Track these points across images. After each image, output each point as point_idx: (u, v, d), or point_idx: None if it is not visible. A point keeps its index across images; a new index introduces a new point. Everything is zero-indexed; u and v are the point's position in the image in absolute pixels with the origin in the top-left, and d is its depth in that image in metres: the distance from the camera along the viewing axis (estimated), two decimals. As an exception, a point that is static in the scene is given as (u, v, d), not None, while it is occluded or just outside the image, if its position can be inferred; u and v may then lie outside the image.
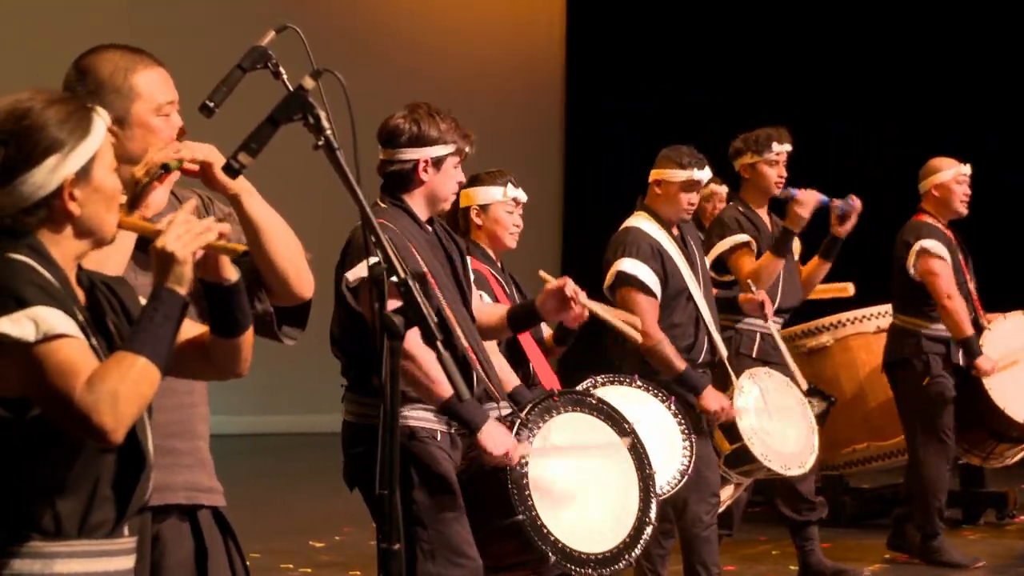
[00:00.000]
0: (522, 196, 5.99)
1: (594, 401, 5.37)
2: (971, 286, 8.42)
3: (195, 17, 14.18)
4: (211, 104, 3.50)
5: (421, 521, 4.90)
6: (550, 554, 5.02)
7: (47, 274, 2.86)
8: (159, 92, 3.53)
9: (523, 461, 5.05)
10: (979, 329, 8.32)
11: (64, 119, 2.91)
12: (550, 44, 16.82)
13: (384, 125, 5.10)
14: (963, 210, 8.36)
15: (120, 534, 2.93)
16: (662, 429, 6.14)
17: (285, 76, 3.46)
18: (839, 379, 9.00)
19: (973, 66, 14.61)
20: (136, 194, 3.40)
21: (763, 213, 7.85)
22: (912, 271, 8.25)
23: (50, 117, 2.90)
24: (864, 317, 9.03)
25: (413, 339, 3.36)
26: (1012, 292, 9.45)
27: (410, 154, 5.05)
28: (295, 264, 3.61)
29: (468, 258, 5.33)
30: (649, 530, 5.28)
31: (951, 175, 8.35)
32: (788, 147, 7.75)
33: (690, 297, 6.81)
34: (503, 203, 5.95)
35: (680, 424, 6.20)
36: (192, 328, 3.10)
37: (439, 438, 5.01)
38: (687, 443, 6.18)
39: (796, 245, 7.86)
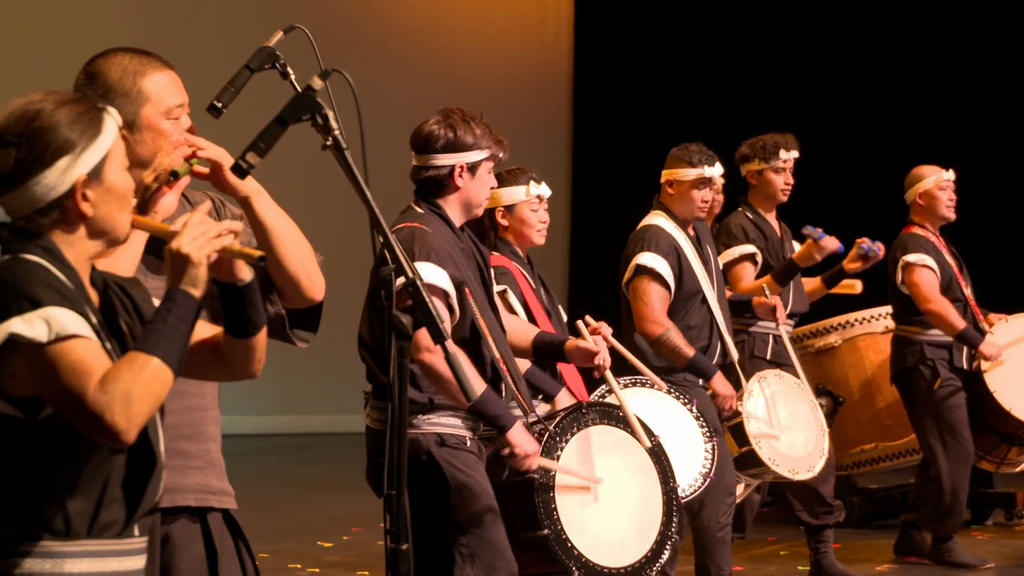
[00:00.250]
0: (545, 192, 5.97)
1: (621, 413, 5.35)
2: (967, 292, 8.40)
3: (203, 17, 14.20)
4: (219, 105, 3.50)
5: (459, 525, 4.88)
6: (574, 568, 5.04)
7: (60, 275, 2.87)
8: (168, 95, 3.50)
9: (551, 475, 5.05)
10: (980, 334, 8.30)
11: (75, 120, 2.91)
12: (558, 43, 16.82)
13: (418, 131, 5.05)
14: (950, 215, 8.35)
15: (130, 534, 2.94)
16: (684, 431, 6.14)
17: (293, 76, 3.47)
18: (847, 379, 9.00)
19: (974, 67, 14.58)
20: (145, 199, 3.40)
21: (771, 218, 7.88)
22: (901, 287, 8.29)
23: (61, 118, 2.90)
24: (872, 317, 9.04)
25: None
26: (1011, 295, 9.45)
27: (445, 160, 5.01)
28: (306, 266, 3.59)
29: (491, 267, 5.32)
30: (671, 543, 5.31)
31: (933, 182, 8.34)
32: (795, 154, 7.77)
33: (704, 299, 6.83)
34: (527, 202, 5.93)
35: (703, 427, 6.19)
36: (205, 329, 3.10)
37: (469, 444, 4.99)
38: (709, 445, 6.18)
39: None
